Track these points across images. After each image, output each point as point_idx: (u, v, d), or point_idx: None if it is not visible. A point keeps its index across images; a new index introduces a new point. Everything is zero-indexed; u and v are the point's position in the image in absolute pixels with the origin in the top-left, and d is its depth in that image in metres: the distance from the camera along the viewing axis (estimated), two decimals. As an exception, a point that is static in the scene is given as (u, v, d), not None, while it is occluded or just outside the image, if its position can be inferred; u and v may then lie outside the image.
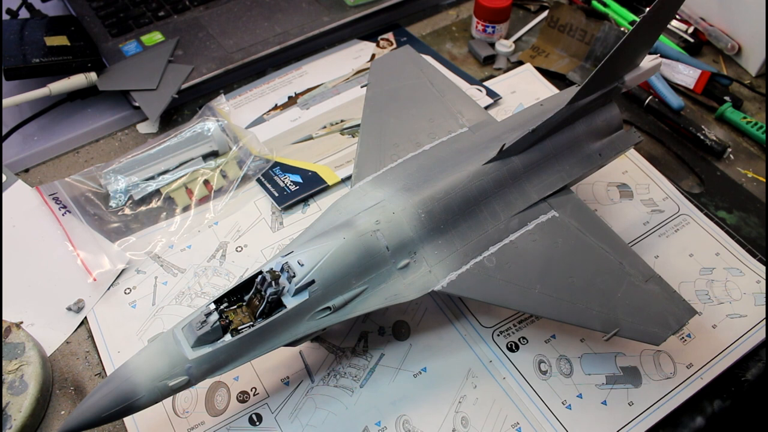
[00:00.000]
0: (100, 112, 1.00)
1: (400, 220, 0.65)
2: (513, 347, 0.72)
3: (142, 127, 1.00)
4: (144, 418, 0.68)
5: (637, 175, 0.90)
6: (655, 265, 0.78)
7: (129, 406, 0.55)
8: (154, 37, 1.07)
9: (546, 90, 1.02)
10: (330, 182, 0.88)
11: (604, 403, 0.68)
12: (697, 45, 1.09)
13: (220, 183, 0.89)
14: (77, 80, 0.97)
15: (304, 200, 0.88)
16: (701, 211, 0.86)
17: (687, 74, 1.01)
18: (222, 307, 0.58)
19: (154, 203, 0.88)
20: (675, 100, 0.97)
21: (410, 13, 1.17)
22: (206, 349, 0.56)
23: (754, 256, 0.82)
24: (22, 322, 0.74)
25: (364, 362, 0.72)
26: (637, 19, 1.10)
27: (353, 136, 0.95)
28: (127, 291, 0.79)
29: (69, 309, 0.77)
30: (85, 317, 0.77)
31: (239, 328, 0.57)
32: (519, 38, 1.13)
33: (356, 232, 0.63)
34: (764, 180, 0.91)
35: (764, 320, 0.75)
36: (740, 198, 0.89)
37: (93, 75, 0.98)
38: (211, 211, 0.87)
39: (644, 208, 0.86)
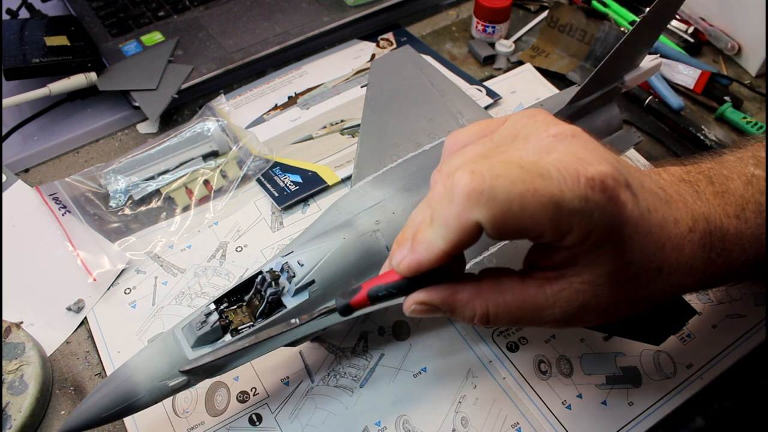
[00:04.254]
0: (100, 112, 1.00)
1: (400, 220, 0.65)
2: (513, 347, 0.72)
3: (142, 127, 1.00)
4: (144, 418, 0.67)
5: (637, 175, 0.90)
6: (655, 265, 0.78)
7: (129, 406, 0.55)
8: (154, 37, 1.07)
9: (546, 90, 1.02)
10: (330, 182, 0.88)
11: (604, 403, 0.68)
12: (697, 45, 1.09)
13: (220, 183, 0.89)
14: (77, 80, 0.97)
15: (304, 200, 0.88)
16: (701, 211, 0.86)
17: (687, 74, 1.01)
18: (222, 307, 0.58)
19: (154, 203, 0.88)
20: (675, 100, 0.97)
21: (410, 13, 1.17)
22: (206, 350, 0.56)
23: (754, 256, 0.81)
24: (22, 322, 0.74)
25: (364, 362, 0.72)
26: (637, 19, 1.10)
27: (353, 136, 0.95)
28: (127, 291, 0.79)
29: (69, 309, 0.77)
30: (85, 317, 0.77)
31: (239, 328, 0.57)
32: (519, 38, 1.13)
33: (356, 232, 0.63)
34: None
35: (764, 320, 0.74)
36: (740, 198, 0.88)
37: (93, 75, 0.98)
38: (211, 211, 0.87)
39: (644, 208, 0.86)
